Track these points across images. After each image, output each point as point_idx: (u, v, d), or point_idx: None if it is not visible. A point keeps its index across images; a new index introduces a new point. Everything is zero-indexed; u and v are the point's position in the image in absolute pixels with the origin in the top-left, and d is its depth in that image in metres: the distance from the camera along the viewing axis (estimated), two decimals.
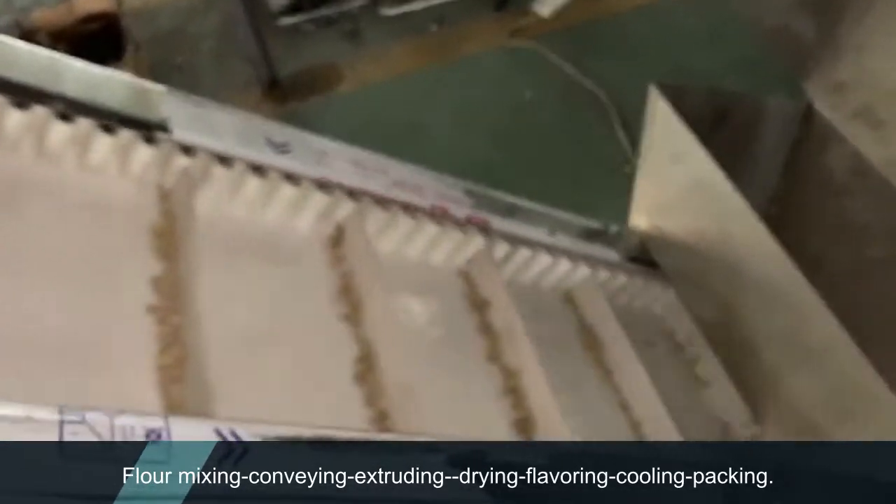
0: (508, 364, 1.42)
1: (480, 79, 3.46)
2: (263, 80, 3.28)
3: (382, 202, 1.45)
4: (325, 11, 3.59)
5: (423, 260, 1.52)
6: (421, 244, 1.50)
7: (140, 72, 2.72)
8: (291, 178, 1.36)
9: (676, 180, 1.66)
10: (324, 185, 1.39)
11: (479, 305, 1.50)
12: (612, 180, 3.11)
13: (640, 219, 1.75)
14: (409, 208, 1.48)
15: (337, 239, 1.40)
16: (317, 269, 1.36)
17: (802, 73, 1.85)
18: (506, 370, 1.42)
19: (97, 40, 2.94)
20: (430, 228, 1.50)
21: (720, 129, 1.74)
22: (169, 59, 3.33)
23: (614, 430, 1.52)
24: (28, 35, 2.76)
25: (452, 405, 1.30)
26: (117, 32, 2.90)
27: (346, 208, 1.40)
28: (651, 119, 1.66)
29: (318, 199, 1.38)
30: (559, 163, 3.14)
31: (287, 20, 3.54)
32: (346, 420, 1.17)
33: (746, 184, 1.53)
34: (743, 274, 1.47)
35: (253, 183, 1.31)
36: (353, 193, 1.42)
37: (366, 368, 1.25)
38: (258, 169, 1.32)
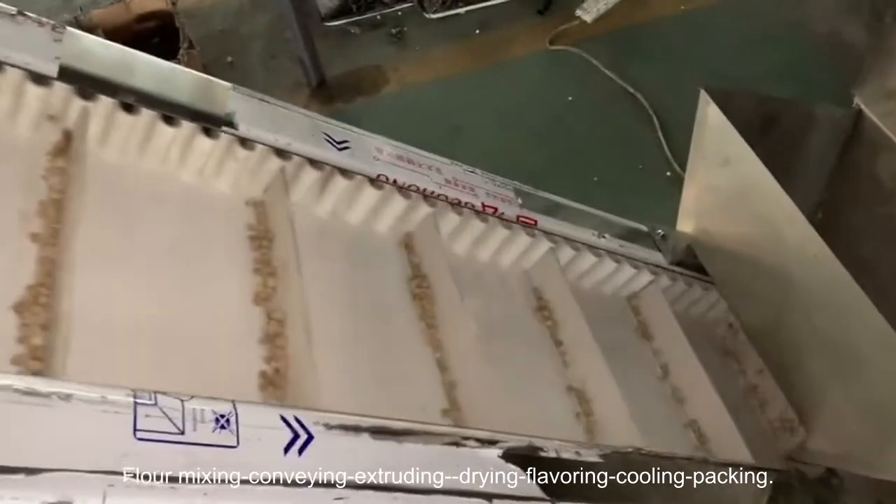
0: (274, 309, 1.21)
1: (522, 82, 3.48)
2: (311, 80, 3.33)
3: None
4: (371, 14, 3.64)
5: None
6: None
7: (194, 69, 2.78)
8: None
9: (725, 184, 1.66)
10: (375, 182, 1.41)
11: (260, 238, 1.30)
12: (653, 184, 3.11)
13: (687, 223, 1.75)
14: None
15: (62, 147, 1.17)
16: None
17: (853, 79, 1.84)
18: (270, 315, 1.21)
19: (152, 38, 3.01)
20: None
21: (769, 134, 1.74)
22: (220, 57, 3.40)
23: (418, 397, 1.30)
24: (86, 32, 2.84)
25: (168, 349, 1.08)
26: (172, 31, 2.96)
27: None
28: (700, 123, 1.66)
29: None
30: (599, 166, 3.15)
31: (334, 22, 3.59)
32: None
33: (795, 189, 1.52)
34: (792, 279, 1.47)
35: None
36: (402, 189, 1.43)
37: (33, 297, 1.02)
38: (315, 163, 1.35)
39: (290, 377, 1.13)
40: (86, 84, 1.14)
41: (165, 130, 1.22)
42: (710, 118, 1.61)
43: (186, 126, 1.23)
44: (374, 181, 1.39)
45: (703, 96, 1.63)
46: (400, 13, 3.68)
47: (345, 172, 1.37)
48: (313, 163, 1.34)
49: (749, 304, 1.63)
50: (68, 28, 1.16)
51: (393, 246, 1.47)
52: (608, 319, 1.64)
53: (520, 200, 1.59)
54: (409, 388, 1.28)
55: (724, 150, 1.61)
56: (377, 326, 1.32)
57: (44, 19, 1.15)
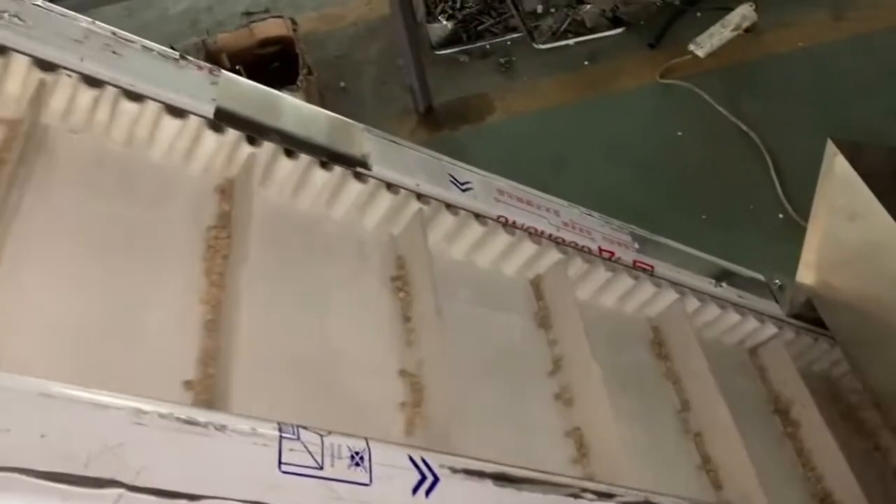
0: None
1: (631, 115, 3.45)
2: (419, 106, 3.40)
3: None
4: (480, 43, 3.69)
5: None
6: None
7: (310, 94, 2.90)
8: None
9: (851, 239, 1.62)
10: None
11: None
12: (764, 226, 3.03)
13: (808, 275, 1.71)
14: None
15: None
16: None
17: None
18: None
19: (272, 63, 3.14)
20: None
21: None
22: (334, 82, 3.51)
23: None
24: (211, 56, 2.99)
25: None
26: (293, 57, 3.07)
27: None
28: (826, 174, 1.62)
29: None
30: (708, 204, 3.09)
31: (444, 51, 3.66)
32: None
33: None
34: None
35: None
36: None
37: None
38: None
39: None
40: (237, 125, 1.21)
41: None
42: (838, 170, 1.58)
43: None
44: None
45: (830, 146, 1.59)
46: (509, 43, 3.71)
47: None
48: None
49: (874, 365, 1.57)
50: (223, 72, 1.24)
51: (209, 190, 1.25)
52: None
53: (636, 245, 1.59)
54: (152, 349, 1.05)
55: (852, 204, 1.57)
56: (142, 274, 1.11)
57: (202, 63, 1.22)
